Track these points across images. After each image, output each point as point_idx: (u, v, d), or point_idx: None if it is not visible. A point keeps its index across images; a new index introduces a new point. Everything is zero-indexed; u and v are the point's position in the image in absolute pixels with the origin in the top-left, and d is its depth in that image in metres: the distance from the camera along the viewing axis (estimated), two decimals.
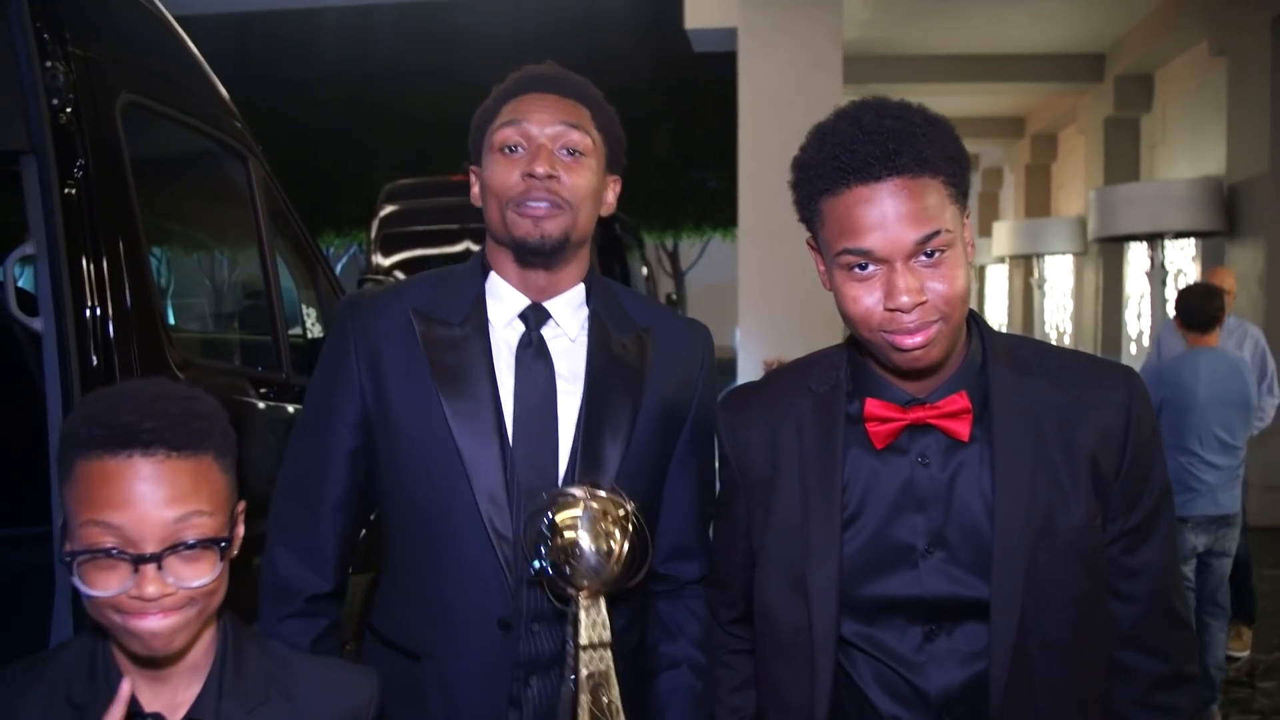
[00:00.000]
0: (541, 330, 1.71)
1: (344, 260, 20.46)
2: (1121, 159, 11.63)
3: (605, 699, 1.51)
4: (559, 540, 1.52)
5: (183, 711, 1.30)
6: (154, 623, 1.22)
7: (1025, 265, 14.91)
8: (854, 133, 1.41)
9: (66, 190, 2.29)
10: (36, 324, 2.29)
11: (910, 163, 1.38)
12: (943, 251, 1.39)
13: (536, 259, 1.67)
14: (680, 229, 19.94)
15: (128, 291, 2.40)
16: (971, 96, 12.83)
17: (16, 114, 2.26)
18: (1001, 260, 15.70)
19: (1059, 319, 14.18)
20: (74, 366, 2.27)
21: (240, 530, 1.35)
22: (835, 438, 1.51)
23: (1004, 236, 13.03)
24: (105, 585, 1.21)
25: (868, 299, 1.41)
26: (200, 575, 1.25)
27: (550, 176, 1.63)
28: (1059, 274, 14.02)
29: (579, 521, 1.53)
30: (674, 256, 21.92)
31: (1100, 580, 1.49)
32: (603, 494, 1.56)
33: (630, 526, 1.55)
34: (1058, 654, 1.45)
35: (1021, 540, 1.43)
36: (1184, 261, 10.12)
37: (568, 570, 1.52)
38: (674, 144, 17.13)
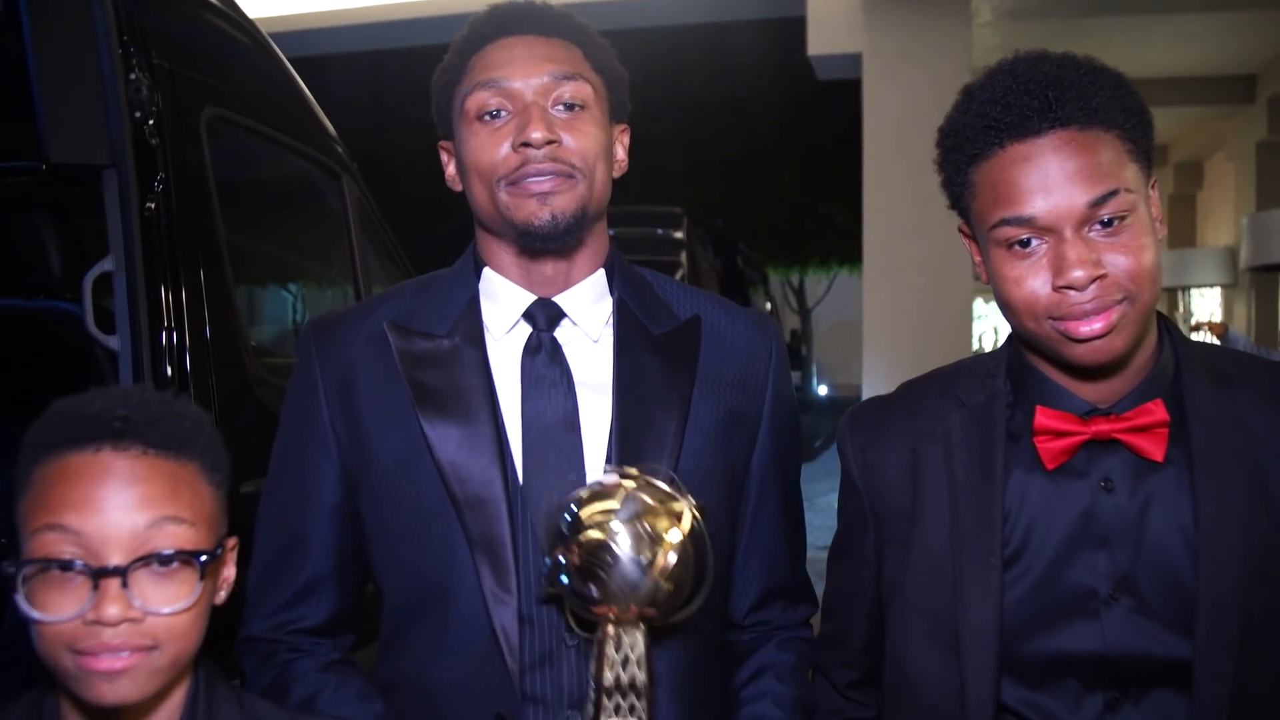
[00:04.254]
0: (554, 332, 1.37)
1: None
2: (1275, 185, 11.01)
3: None
4: (584, 542, 1.13)
5: None
6: (111, 664, 1.00)
7: (1169, 299, 14.26)
8: (1007, 84, 1.18)
9: (147, 205, 2.23)
10: (113, 342, 2.22)
11: (1076, 112, 1.14)
12: (1123, 218, 1.13)
13: (549, 245, 1.33)
14: (806, 265, 19.73)
15: (207, 308, 2.31)
16: None
17: (99, 127, 2.21)
18: None
19: None
20: (149, 384, 2.19)
21: (230, 572, 1.13)
22: (994, 458, 1.24)
23: None
24: (58, 608, 1.00)
25: (1032, 280, 1.15)
26: (174, 599, 1.03)
27: (550, 142, 1.29)
28: (1206, 307, 13.34)
29: (614, 517, 1.13)
30: (800, 293, 21.65)
31: None
32: (657, 483, 1.17)
33: (687, 530, 1.15)
34: None
35: (1233, 588, 1.14)
36: None
37: (593, 586, 1.13)
38: (800, 180, 16.96)
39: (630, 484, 1.17)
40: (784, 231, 17.76)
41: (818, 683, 1.45)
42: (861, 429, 1.37)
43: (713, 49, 14.01)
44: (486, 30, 1.36)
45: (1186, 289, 12.69)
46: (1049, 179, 1.13)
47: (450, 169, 1.42)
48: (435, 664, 1.32)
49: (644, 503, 1.15)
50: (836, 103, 10.88)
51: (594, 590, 1.14)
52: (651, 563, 1.13)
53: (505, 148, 1.30)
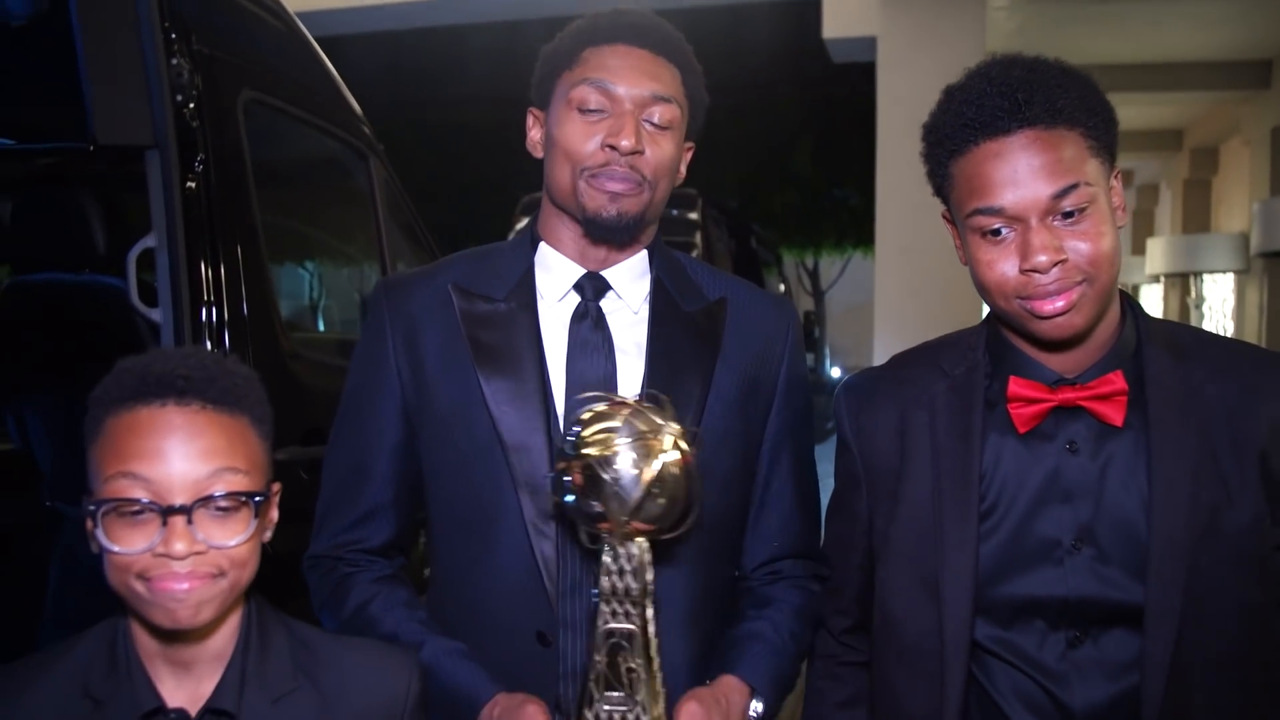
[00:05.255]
0: (599, 303, 1.53)
1: None
2: None
3: (626, 665, 1.26)
4: (585, 459, 1.25)
5: (203, 706, 1.22)
6: (181, 588, 1.14)
7: (1182, 284, 14.24)
8: (981, 87, 1.31)
9: (187, 184, 2.33)
10: (155, 315, 2.34)
11: (1042, 113, 1.27)
12: (1084, 209, 1.26)
13: (609, 236, 1.49)
14: (821, 247, 19.74)
15: (243, 283, 2.43)
16: (1126, 108, 12.21)
17: (142, 110, 2.31)
18: (1156, 279, 15.04)
19: None
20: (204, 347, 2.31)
21: (275, 514, 1.27)
22: (972, 423, 1.38)
23: (1159, 253, 12.46)
24: (131, 542, 1.14)
25: (1003, 264, 1.29)
26: (232, 535, 1.17)
27: (636, 152, 1.45)
28: (1219, 293, 13.34)
29: (614, 437, 1.25)
30: (814, 275, 21.67)
31: (1271, 591, 1.32)
32: (650, 409, 1.28)
33: (672, 448, 1.26)
34: (1221, 673, 1.29)
35: (1182, 540, 1.28)
36: None
37: (594, 503, 1.25)
38: (815, 161, 16.98)
39: (625, 409, 1.28)
40: (799, 213, 17.78)
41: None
42: (855, 396, 1.50)
43: (729, 31, 14.03)
44: (608, 31, 1.50)
45: (1199, 274, 12.68)
46: (1017, 173, 1.26)
47: (534, 135, 1.56)
48: (483, 587, 1.48)
49: (637, 427, 1.26)
50: (853, 85, 10.92)
51: (595, 505, 1.26)
52: (641, 479, 1.24)
53: (595, 143, 1.46)
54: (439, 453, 1.52)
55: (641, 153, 1.46)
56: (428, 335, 1.52)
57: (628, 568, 1.28)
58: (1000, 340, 1.40)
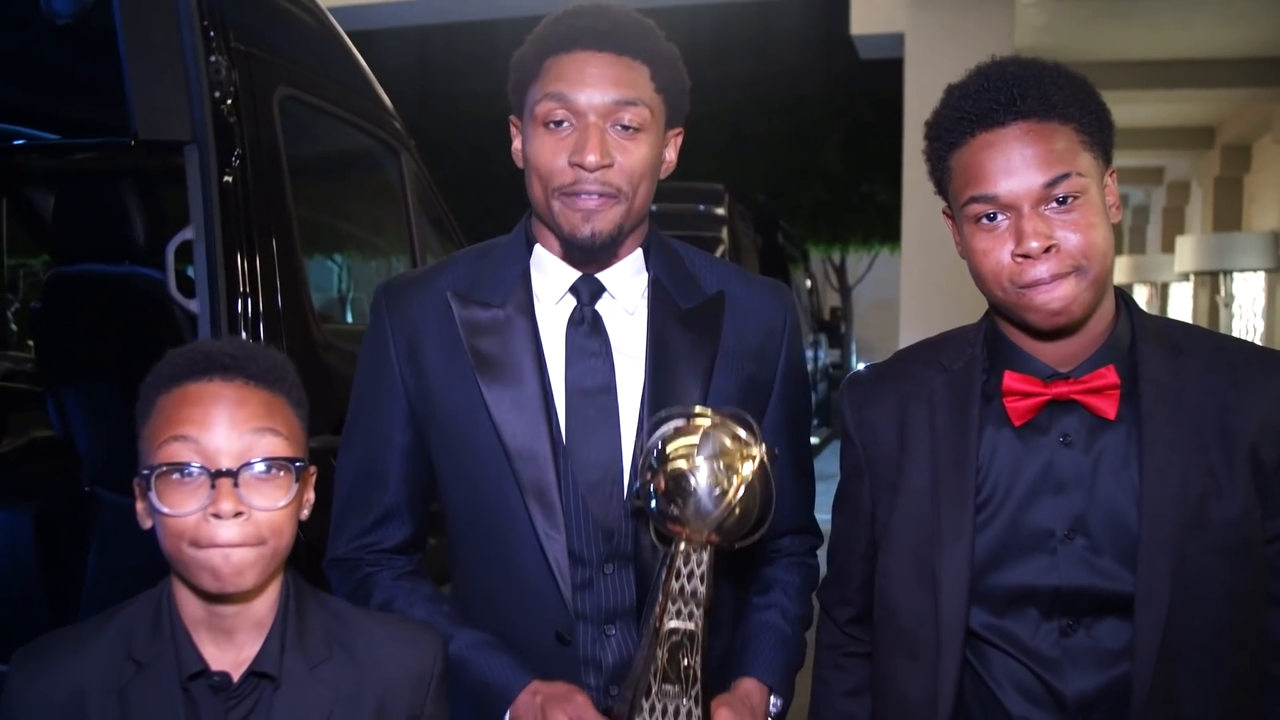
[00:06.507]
0: (596, 305, 1.54)
1: None
2: None
3: (684, 662, 1.32)
4: (668, 472, 1.31)
5: (246, 669, 1.29)
6: (225, 552, 1.22)
7: (1211, 282, 14.14)
8: (978, 83, 1.36)
9: (224, 179, 2.41)
10: (193, 305, 2.41)
11: (1036, 106, 1.32)
12: (1075, 198, 1.31)
13: (587, 256, 1.50)
14: (847, 243, 19.67)
15: (278, 275, 2.50)
16: (1157, 105, 12.23)
17: (182, 107, 2.38)
18: (1186, 277, 14.94)
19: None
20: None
21: (311, 495, 1.34)
22: (970, 416, 1.42)
23: (1188, 251, 12.38)
24: (182, 505, 1.22)
25: (998, 251, 1.34)
26: (275, 498, 1.25)
27: (604, 166, 1.43)
28: (1249, 292, 13.24)
29: (695, 452, 1.32)
30: (840, 271, 21.62)
31: (1259, 582, 1.36)
32: (735, 428, 1.35)
33: (756, 470, 1.33)
34: (1210, 660, 1.33)
35: (1171, 531, 1.32)
36: None
37: (674, 508, 1.32)
38: (842, 157, 16.93)
39: (707, 423, 1.35)
40: (826, 209, 17.73)
41: (821, 619, 1.65)
42: (858, 390, 1.55)
43: (758, 26, 14.03)
44: (565, 37, 1.47)
45: (1229, 273, 12.58)
46: (1010, 163, 1.31)
47: (516, 145, 1.55)
48: (500, 589, 1.53)
49: (722, 443, 1.34)
50: (881, 80, 10.91)
51: (674, 510, 1.33)
52: (724, 495, 1.32)
53: (563, 160, 1.44)
54: (447, 458, 1.56)
55: (609, 165, 1.44)
56: (428, 343, 1.54)
57: (697, 571, 1.34)
58: (997, 335, 1.45)
